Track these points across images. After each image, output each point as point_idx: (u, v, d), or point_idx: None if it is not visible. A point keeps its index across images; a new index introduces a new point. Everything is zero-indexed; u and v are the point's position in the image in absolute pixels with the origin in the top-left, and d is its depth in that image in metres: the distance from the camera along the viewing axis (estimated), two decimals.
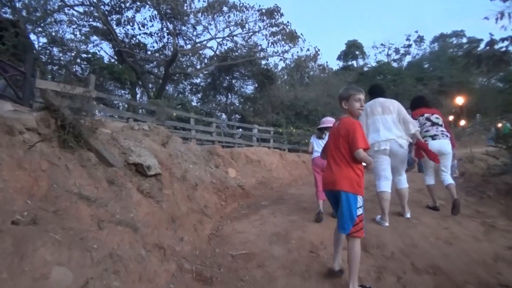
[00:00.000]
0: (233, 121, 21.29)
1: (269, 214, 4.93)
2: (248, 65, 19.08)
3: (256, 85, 21.68)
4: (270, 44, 17.31)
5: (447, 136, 4.76)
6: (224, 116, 23.44)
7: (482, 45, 11.28)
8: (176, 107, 16.64)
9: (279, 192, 6.91)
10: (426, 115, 4.91)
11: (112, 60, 17.39)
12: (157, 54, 18.34)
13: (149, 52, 18.26)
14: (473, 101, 35.52)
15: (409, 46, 48.45)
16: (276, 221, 4.55)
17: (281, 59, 17.78)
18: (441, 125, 4.83)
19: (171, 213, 3.57)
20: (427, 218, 4.39)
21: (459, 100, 9.28)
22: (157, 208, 3.37)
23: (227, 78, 22.20)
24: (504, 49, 11.16)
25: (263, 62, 20.06)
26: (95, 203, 2.57)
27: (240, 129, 19.12)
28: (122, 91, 18.58)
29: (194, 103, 21.94)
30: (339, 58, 45.49)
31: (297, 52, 17.49)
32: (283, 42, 17.10)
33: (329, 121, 5.07)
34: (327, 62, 18.49)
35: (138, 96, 20.18)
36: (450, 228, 3.98)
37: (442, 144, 4.67)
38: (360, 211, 2.62)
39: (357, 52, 45.57)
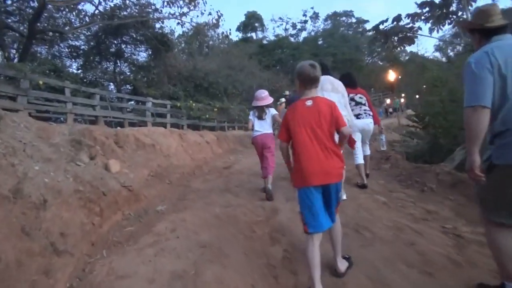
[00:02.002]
0: (123, 92, 18.63)
1: (169, 232, 3.41)
2: (140, 28, 16.45)
3: (150, 52, 19.14)
4: (165, 4, 14.95)
5: (369, 115, 5.10)
6: (112, 86, 20.45)
7: (389, 21, 11.02)
8: (49, 74, 13.49)
9: (180, 188, 5.38)
10: (350, 95, 4.94)
11: None
12: (20, 5, 14.53)
13: (8, 1, 14.35)
14: (362, 78, 38.02)
15: (305, 22, 49.73)
16: (179, 245, 3.07)
17: (178, 23, 15.55)
18: (364, 104, 5.11)
19: None
20: (380, 228, 3.39)
21: (392, 76, 8.68)
22: None
23: (115, 42, 19.06)
24: (410, 25, 11.13)
25: (158, 25, 17.60)
26: None
27: (132, 102, 16.73)
28: None
29: (73, 70, 18.50)
30: (238, 29, 44.17)
31: (197, 16, 15.56)
32: (181, 2, 14.88)
33: (266, 96, 4.91)
34: (230, 30, 16.79)
35: None
36: (415, 243, 3.01)
37: (366, 123, 5.03)
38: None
39: (256, 24, 44.89)
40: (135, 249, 3.03)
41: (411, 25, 11.04)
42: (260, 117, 4.87)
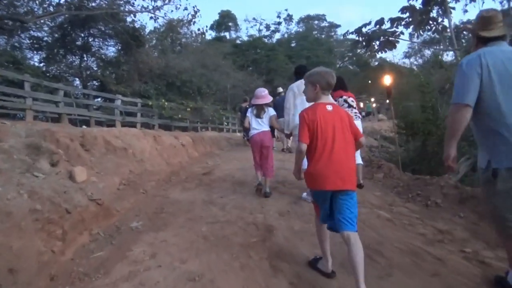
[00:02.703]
0: (89, 88, 17.57)
1: (148, 258, 2.83)
2: (110, 21, 15.47)
3: (120, 47, 18.14)
4: None
5: (359, 117, 5.23)
6: (78, 81, 19.28)
7: (372, 25, 10.79)
8: (8, 66, 12.39)
9: (157, 198, 4.75)
10: (344, 97, 5.10)
11: None
12: None
13: None
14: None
15: (279, 23, 49.65)
16: (163, 278, 2.50)
17: (151, 17, 14.67)
18: (355, 108, 5.13)
19: None
20: (394, 251, 2.96)
21: (387, 80, 7.72)
22: None
23: (82, 35, 17.95)
24: (392, 29, 10.95)
25: (129, 19, 16.66)
26: None
27: (99, 99, 15.73)
28: None
29: (35, 63, 17.23)
30: (211, 28, 43.42)
31: (172, 11, 14.66)
32: None
33: (266, 95, 4.90)
34: (206, 27, 15.92)
35: None
36: (439, 273, 2.59)
37: (357, 125, 4.66)
38: None
39: (230, 24, 44.32)
40: (106, 284, 2.43)
41: (394, 29, 10.87)
42: (258, 116, 4.83)
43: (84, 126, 11.46)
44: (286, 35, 49.71)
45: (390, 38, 11.03)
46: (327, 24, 53.89)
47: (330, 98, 2.56)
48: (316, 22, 53.20)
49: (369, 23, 10.76)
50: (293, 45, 45.64)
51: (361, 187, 4.83)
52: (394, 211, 4.11)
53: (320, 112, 2.37)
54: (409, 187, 4.82)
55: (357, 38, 11.27)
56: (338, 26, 54.73)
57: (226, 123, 21.62)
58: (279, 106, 11.35)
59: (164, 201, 4.58)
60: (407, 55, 45.85)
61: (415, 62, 41.20)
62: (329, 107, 2.41)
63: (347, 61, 54.06)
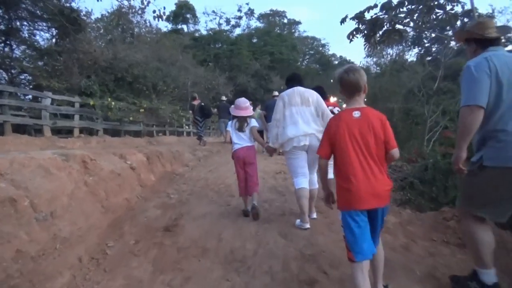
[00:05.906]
0: (16, 83, 14.23)
1: None
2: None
3: (54, 32, 14.78)
4: None
5: None
6: (3, 74, 15.78)
7: (378, 9, 8.58)
8: None
9: None
10: (329, 107, 4.37)
11: None
12: None
13: None
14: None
15: (240, 18, 47.35)
16: None
17: None
18: None
19: None
20: None
21: None
22: None
23: (7, 16, 14.44)
24: (403, 15, 8.80)
25: None
26: None
27: (29, 97, 12.56)
28: None
29: None
30: (167, 19, 39.92)
31: None
32: None
33: (249, 106, 4.55)
34: (164, 8, 12.68)
35: None
36: None
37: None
38: None
39: (188, 16, 41.05)
40: None
41: (403, 15, 8.75)
42: (240, 129, 4.43)
43: None
44: (246, 30, 47.41)
45: (398, 26, 8.90)
46: (287, 21, 52.65)
47: (360, 101, 2.12)
48: (277, 18, 51.69)
49: (375, 6, 8.52)
50: (254, 40, 43.43)
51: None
52: None
53: (344, 121, 2.06)
54: None
55: (356, 26, 8.97)
56: (299, 23, 53.55)
57: (186, 126, 18.88)
58: (270, 108, 9.32)
59: None
60: (368, 55, 44.90)
61: (378, 62, 40.34)
62: (356, 114, 2.05)
63: (308, 59, 53.08)
